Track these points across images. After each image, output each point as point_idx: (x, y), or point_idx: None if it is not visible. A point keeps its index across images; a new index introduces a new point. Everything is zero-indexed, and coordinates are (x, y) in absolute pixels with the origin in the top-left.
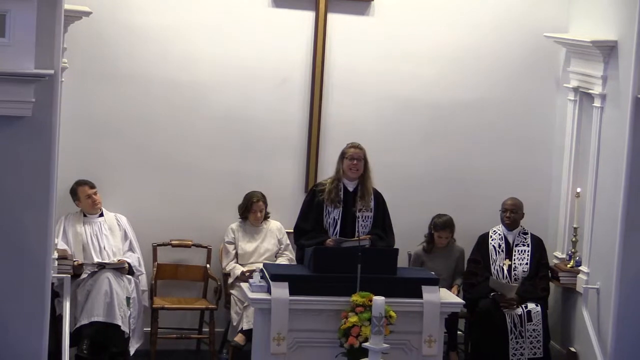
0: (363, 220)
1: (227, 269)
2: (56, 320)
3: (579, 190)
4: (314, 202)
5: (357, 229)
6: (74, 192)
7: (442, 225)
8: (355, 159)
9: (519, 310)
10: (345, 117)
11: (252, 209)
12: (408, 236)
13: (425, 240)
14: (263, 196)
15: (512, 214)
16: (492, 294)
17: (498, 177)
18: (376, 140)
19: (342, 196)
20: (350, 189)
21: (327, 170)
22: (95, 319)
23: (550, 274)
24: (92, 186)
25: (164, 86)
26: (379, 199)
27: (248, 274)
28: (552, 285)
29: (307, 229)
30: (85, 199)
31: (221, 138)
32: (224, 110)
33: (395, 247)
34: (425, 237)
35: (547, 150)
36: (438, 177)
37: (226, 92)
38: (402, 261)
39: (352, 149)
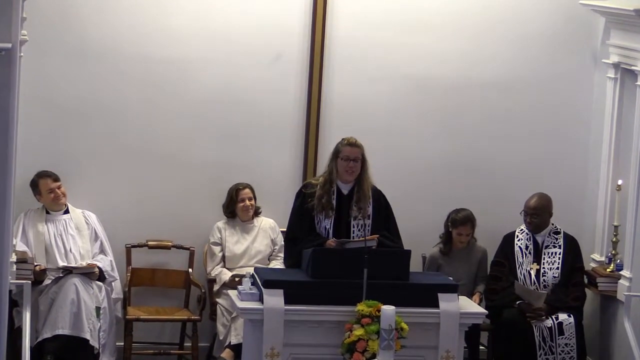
0: (359, 230)
1: (213, 274)
2: (14, 334)
3: (620, 182)
4: (303, 207)
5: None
6: (34, 185)
7: (461, 220)
8: (351, 160)
9: (549, 322)
10: (350, 99)
11: (238, 198)
12: (422, 237)
13: (441, 240)
14: (249, 185)
15: (534, 219)
16: (517, 302)
17: (526, 168)
18: (385, 126)
19: (334, 202)
20: (345, 192)
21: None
22: (60, 332)
23: (586, 280)
24: (56, 179)
25: (139, 64)
26: (380, 200)
27: (237, 279)
28: (588, 292)
29: (300, 236)
30: (47, 193)
31: (205, 124)
32: (208, 91)
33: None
34: (441, 237)
35: (583, 137)
36: (456, 169)
37: (210, 71)
38: (416, 265)
39: (347, 147)
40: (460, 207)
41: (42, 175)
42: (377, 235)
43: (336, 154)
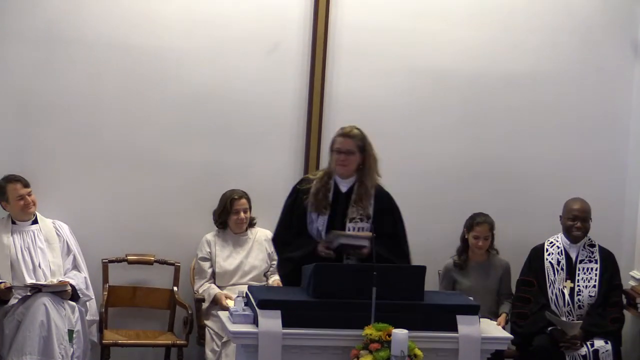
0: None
1: (201, 291)
2: None
3: None
4: (295, 205)
5: None
6: (1, 191)
7: (478, 221)
8: (342, 152)
9: (584, 350)
10: (356, 94)
11: (233, 209)
12: (438, 251)
13: (457, 251)
14: (246, 194)
15: (583, 223)
16: (549, 328)
17: (556, 173)
18: (397, 125)
19: (330, 199)
20: (344, 189)
21: None
22: (28, 358)
23: (624, 300)
24: (26, 184)
25: (118, 54)
26: (384, 202)
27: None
28: (626, 314)
29: (289, 240)
30: (16, 200)
31: (193, 122)
32: (195, 85)
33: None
34: (457, 249)
35: (621, 137)
36: (477, 174)
37: (200, 62)
38: (431, 283)
39: (339, 137)
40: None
41: (11, 179)
42: (373, 233)
43: (331, 144)
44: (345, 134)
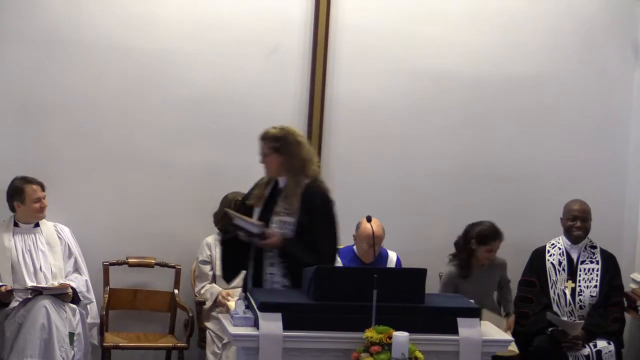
0: (280, 228)
1: (202, 291)
2: None
3: None
4: (245, 202)
5: None
6: (18, 191)
7: (492, 235)
8: (262, 155)
9: (586, 350)
10: (357, 95)
11: None
12: (438, 253)
13: (456, 260)
14: None
15: (583, 223)
16: (550, 328)
17: (556, 175)
18: (397, 126)
19: (267, 194)
20: (281, 185)
21: (333, 164)
22: None
23: (625, 303)
24: (43, 188)
25: (119, 56)
26: (311, 200)
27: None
28: (627, 317)
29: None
30: (33, 202)
31: (194, 124)
32: (197, 87)
33: (422, 267)
34: (453, 256)
35: (622, 139)
36: (478, 174)
37: (201, 64)
38: (432, 286)
39: (260, 140)
40: (477, 221)
41: (29, 180)
42: (263, 223)
43: None
44: (260, 136)
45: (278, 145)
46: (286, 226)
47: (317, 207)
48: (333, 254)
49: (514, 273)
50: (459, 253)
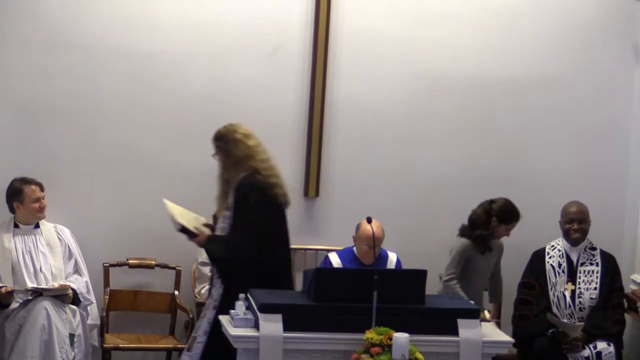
0: (222, 222)
1: (203, 292)
2: None
3: None
4: None
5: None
6: (17, 192)
7: (515, 216)
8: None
9: (586, 352)
10: (357, 98)
11: None
12: (438, 255)
13: (476, 235)
14: None
15: (580, 225)
16: (550, 330)
17: (556, 177)
18: (397, 129)
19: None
20: None
21: (333, 167)
22: None
23: (625, 304)
24: (42, 188)
25: (118, 58)
26: (236, 195)
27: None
28: (627, 318)
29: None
30: (32, 202)
31: (194, 126)
32: (197, 89)
33: (422, 268)
34: (468, 230)
35: (622, 141)
36: (478, 178)
37: (201, 66)
38: (432, 287)
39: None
40: (490, 198)
41: (28, 181)
42: (180, 223)
43: None
44: (213, 137)
45: (220, 144)
46: (226, 221)
47: (239, 198)
48: (243, 245)
49: (514, 275)
50: (479, 228)
